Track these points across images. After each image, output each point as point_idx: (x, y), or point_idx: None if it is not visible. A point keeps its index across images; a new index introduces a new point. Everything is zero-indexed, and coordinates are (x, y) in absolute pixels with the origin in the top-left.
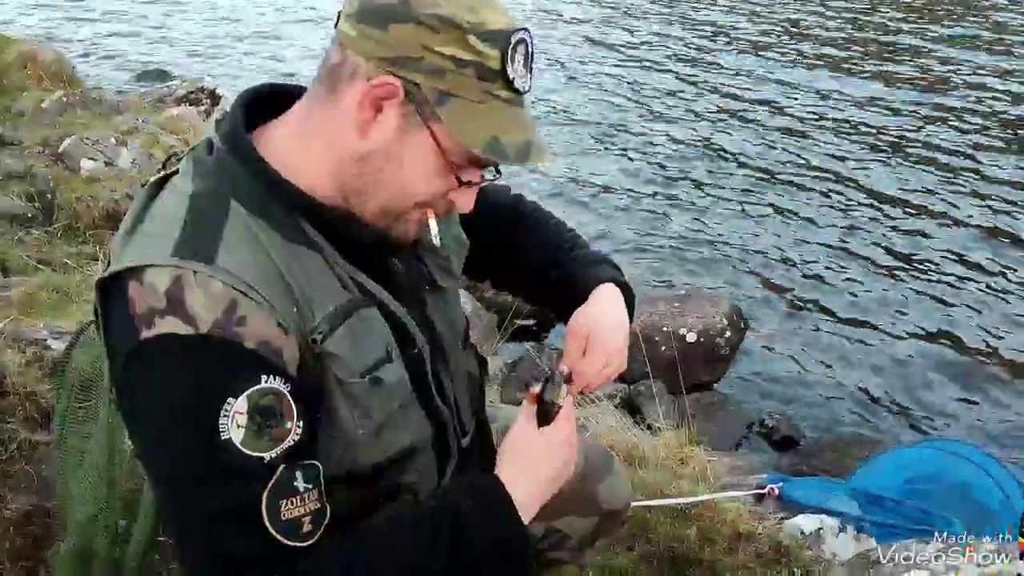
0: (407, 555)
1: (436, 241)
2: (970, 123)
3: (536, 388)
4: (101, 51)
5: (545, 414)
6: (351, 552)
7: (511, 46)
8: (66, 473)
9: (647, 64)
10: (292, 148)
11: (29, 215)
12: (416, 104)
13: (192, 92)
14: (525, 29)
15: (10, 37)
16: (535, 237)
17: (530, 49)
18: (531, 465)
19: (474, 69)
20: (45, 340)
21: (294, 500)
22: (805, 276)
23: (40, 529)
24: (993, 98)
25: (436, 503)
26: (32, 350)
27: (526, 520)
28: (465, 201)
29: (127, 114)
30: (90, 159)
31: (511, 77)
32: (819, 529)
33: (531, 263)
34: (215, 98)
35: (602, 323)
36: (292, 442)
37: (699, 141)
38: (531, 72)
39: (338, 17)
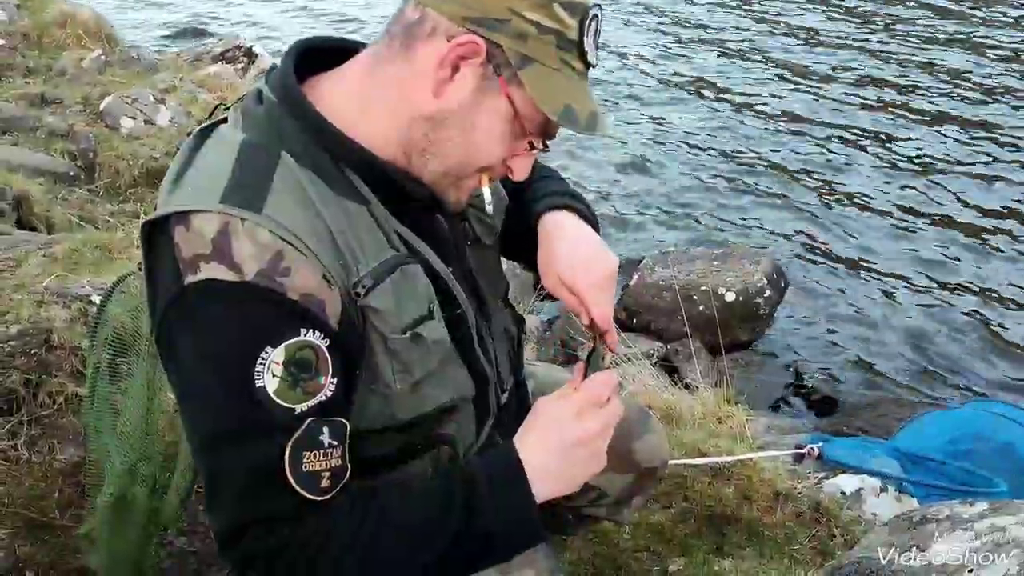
0: (419, 519)
1: (489, 209)
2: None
3: (581, 367)
4: (138, 9)
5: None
6: (364, 511)
7: (588, 19)
8: (100, 424)
9: (690, 23)
10: (350, 102)
11: (71, 173)
12: (496, 66)
13: (228, 50)
14: (598, 4)
15: None
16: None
17: (600, 25)
18: (552, 431)
19: (555, 37)
20: (89, 296)
21: (317, 454)
22: (848, 235)
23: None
24: None
25: (453, 469)
26: (77, 306)
27: (542, 487)
28: (523, 167)
29: (165, 72)
30: (130, 118)
31: (585, 49)
32: (860, 489)
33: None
34: (252, 56)
35: (575, 266)
36: (324, 397)
37: (742, 98)
38: (598, 48)
39: None
